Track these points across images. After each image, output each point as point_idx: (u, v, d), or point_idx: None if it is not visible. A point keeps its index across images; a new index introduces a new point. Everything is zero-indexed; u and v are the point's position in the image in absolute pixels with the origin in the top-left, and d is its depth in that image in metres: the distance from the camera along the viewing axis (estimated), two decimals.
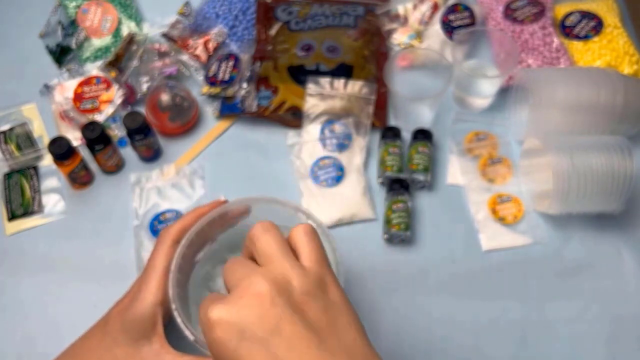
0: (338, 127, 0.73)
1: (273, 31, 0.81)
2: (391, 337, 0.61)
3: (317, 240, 0.38)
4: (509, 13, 0.80)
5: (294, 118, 0.74)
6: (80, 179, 0.70)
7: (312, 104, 0.73)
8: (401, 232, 0.65)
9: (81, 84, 0.75)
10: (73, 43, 0.80)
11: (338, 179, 0.70)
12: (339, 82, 0.73)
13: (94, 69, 0.78)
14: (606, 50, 0.76)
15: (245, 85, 0.76)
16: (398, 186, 0.67)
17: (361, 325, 0.35)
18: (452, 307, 0.63)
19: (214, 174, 0.72)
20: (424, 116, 0.74)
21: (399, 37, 0.81)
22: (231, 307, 0.33)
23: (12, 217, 0.69)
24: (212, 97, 0.77)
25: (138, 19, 0.84)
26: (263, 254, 0.36)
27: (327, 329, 0.33)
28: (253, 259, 0.38)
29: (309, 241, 0.37)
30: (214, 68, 0.76)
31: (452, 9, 0.80)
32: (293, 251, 0.37)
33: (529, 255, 0.66)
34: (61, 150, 0.65)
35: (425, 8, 0.81)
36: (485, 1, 0.83)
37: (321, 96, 0.73)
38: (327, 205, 0.68)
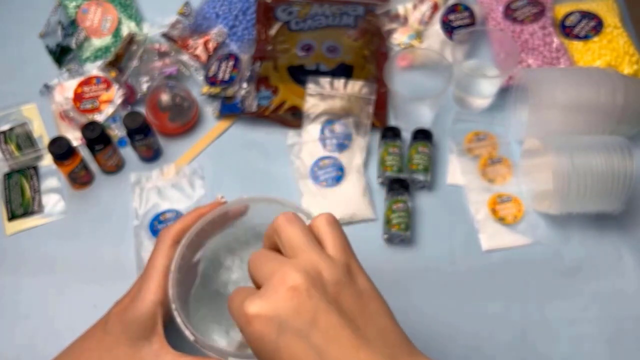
0: (338, 127, 0.73)
1: (273, 31, 0.81)
2: None
3: (339, 229, 0.39)
4: (509, 13, 0.80)
5: (294, 118, 0.74)
6: (80, 179, 0.70)
7: (312, 104, 0.73)
8: (401, 232, 0.65)
9: (81, 84, 0.75)
10: (73, 43, 0.80)
11: (338, 179, 0.70)
12: (339, 82, 0.73)
13: (94, 69, 0.78)
14: (606, 50, 0.76)
15: (245, 85, 0.76)
16: (398, 186, 0.67)
17: (389, 309, 0.36)
18: (452, 307, 0.63)
19: (214, 174, 0.72)
20: (424, 116, 0.74)
21: (399, 37, 0.81)
22: (268, 302, 0.33)
23: (12, 217, 0.69)
24: (212, 97, 0.77)
25: (138, 19, 0.84)
26: (290, 245, 0.36)
27: (361, 316, 0.34)
28: (276, 249, 0.38)
29: (332, 230, 0.38)
30: (214, 68, 0.76)
31: (452, 9, 0.80)
32: (317, 240, 0.37)
33: (529, 255, 0.66)
34: (61, 150, 0.66)
35: (425, 8, 0.81)
36: (485, 1, 0.83)
37: (321, 96, 0.73)
38: (327, 205, 0.68)
